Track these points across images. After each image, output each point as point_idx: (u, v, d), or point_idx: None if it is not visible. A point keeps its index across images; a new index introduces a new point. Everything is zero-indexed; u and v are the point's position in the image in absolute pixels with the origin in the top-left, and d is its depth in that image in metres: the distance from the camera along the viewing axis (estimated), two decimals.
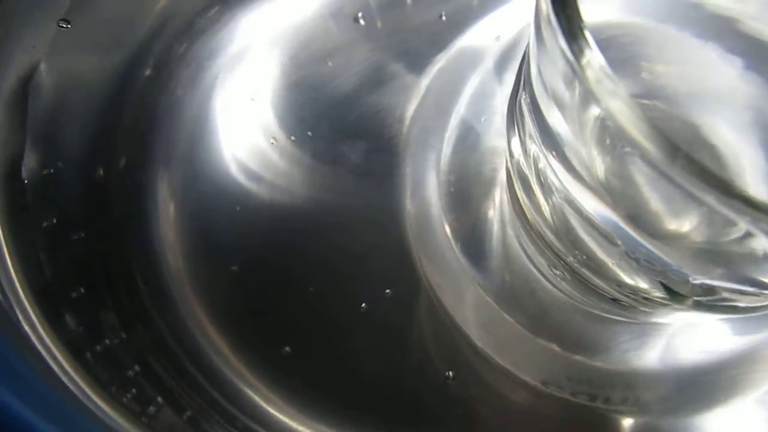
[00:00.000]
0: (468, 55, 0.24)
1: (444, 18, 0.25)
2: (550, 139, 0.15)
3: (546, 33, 0.13)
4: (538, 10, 0.13)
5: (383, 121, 0.24)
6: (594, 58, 0.12)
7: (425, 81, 0.24)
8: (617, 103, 0.12)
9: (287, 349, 0.22)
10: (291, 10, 0.25)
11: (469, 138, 0.24)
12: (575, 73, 0.12)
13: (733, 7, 0.19)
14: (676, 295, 0.16)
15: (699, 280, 0.16)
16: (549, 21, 0.13)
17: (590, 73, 0.12)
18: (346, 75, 0.24)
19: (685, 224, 0.15)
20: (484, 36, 0.24)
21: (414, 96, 0.24)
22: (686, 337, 0.23)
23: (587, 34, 0.12)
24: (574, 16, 0.12)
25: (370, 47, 0.24)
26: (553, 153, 0.15)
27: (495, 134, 0.23)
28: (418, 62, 0.24)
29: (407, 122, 0.24)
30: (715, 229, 0.14)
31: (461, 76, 0.24)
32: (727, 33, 0.19)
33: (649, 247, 0.15)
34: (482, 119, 0.24)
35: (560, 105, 0.14)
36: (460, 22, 0.25)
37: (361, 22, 0.25)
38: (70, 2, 0.20)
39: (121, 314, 0.21)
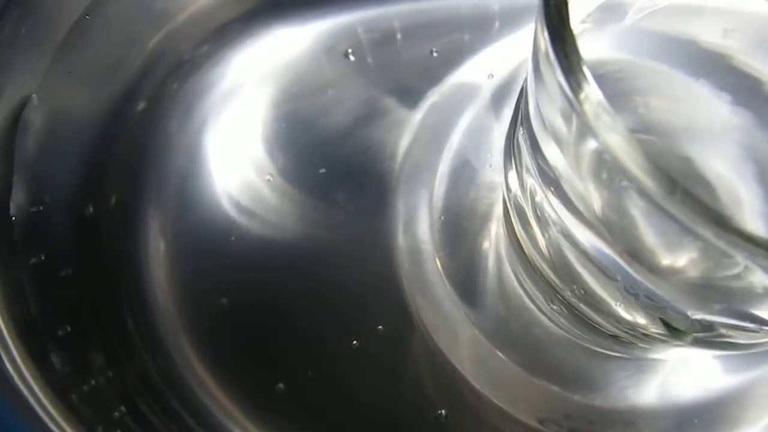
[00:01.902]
0: (460, 91, 0.24)
1: (435, 54, 0.25)
2: (547, 173, 0.15)
3: (544, 68, 0.13)
4: (537, 47, 0.13)
5: (375, 157, 0.24)
6: (592, 92, 0.12)
7: (417, 116, 0.24)
8: (615, 138, 0.12)
9: (280, 386, 0.22)
10: (282, 47, 0.25)
11: (463, 173, 0.24)
12: (573, 107, 0.12)
13: (722, 43, 0.20)
14: (675, 331, 0.16)
15: (698, 315, 0.15)
16: (547, 57, 0.13)
17: (588, 108, 0.12)
18: (338, 111, 0.24)
19: (680, 259, 0.15)
20: (477, 72, 0.25)
21: (406, 131, 0.24)
22: (683, 375, 0.22)
23: (585, 69, 0.12)
24: (572, 52, 0.12)
25: (361, 83, 0.25)
26: (551, 188, 0.15)
27: (490, 169, 0.24)
28: (409, 98, 0.24)
29: (399, 158, 0.24)
30: (712, 265, 0.14)
31: (454, 112, 0.24)
32: (717, 69, 0.20)
33: (648, 283, 0.15)
34: (477, 155, 0.24)
35: (558, 139, 0.14)
36: (451, 59, 0.25)
37: (352, 58, 0.25)
38: (63, 37, 0.20)
39: (108, 353, 0.21)
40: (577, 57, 0.12)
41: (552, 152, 0.15)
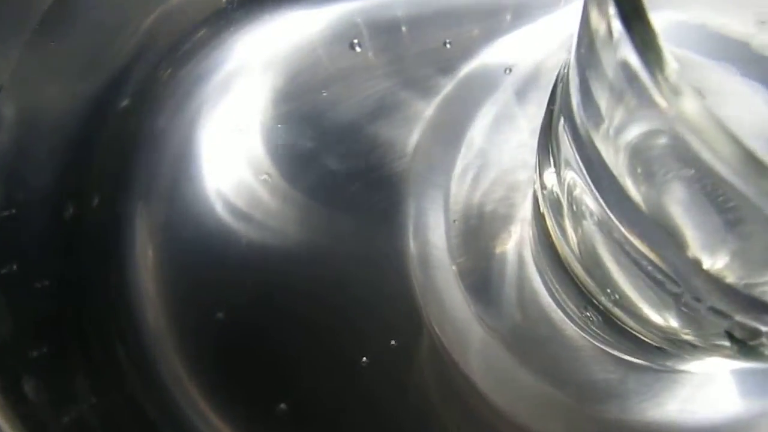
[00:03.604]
0: (476, 85, 0.23)
1: (448, 45, 0.24)
2: (597, 167, 0.14)
3: (603, 51, 0.13)
4: (589, 32, 0.13)
5: (384, 156, 0.23)
6: (673, 66, 0.11)
7: (430, 112, 0.23)
8: (698, 112, 0.11)
9: (282, 406, 0.20)
10: (284, 34, 0.24)
11: (480, 172, 0.23)
12: (645, 86, 0.11)
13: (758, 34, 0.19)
14: (735, 340, 0.15)
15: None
16: (609, 37, 0.12)
17: (669, 83, 0.11)
18: (343, 105, 0.23)
19: (719, 261, 0.14)
20: (493, 64, 0.24)
21: (418, 128, 0.23)
22: (707, 390, 0.22)
23: (663, 43, 0.11)
24: (646, 26, 0.11)
25: (369, 76, 0.24)
26: (603, 182, 0.14)
27: (510, 168, 0.23)
28: (421, 92, 0.23)
29: (411, 157, 0.23)
30: (751, 268, 0.14)
31: (469, 107, 0.23)
32: (754, 60, 0.19)
33: (719, 291, 0.14)
34: (495, 152, 0.23)
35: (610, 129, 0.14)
36: (466, 50, 0.24)
37: (357, 49, 0.24)
38: (39, 20, 0.19)
39: (92, 376, 0.19)
40: (653, 30, 0.11)
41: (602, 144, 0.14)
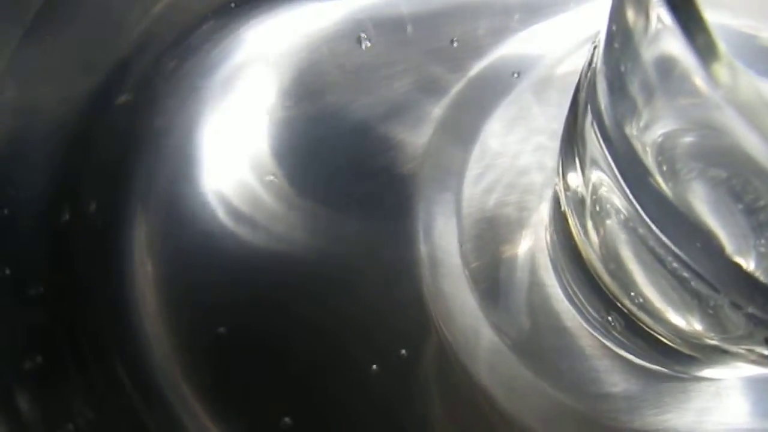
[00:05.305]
0: (487, 85, 0.23)
1: (456, 44, 0.23)
2: (628, 165, 0.14)
3: (641, 45, 0.12)
4: (626, 26, 0.13)
5: (394, 158, 0.22)
6: (725, 53, 0.10)
7: (439, 112, 0.23)
8: (751, 87, 0.10)
9: (287, 420, 0.20)
10: (293, 30, 0.23)
11: (493, 176, 0.22)
12: (679, 74, 0.11)
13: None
14: None
15: None
16: (645, 29, 0.12)
17: (722, 71, 0.10)
18: (352, 106, 0.23)
19: (750, 264, 0.14)
20: (502, 68, 0.23)
21: (427, 129, 0.23)
22: (724, 399, 0.21)
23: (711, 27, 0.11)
24: (694, 9, 0.11)
25: (378, 75, 0.23)
26: (639, 180, 0.14)
27: (524, 171, 0.22)
28: (431, 92, 0.23)
29: (420, 159, 0.22)
30: None
31: (480, 107, 0.23)
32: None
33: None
34: (508, 154, 0.22)
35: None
36: (475, 49, 0.23)
37: (367, 44, 0.23)
38: (34, 12, 0.19)
39: (89, 389, 0.19)
40: (702, 14, 0.11)
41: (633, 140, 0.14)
